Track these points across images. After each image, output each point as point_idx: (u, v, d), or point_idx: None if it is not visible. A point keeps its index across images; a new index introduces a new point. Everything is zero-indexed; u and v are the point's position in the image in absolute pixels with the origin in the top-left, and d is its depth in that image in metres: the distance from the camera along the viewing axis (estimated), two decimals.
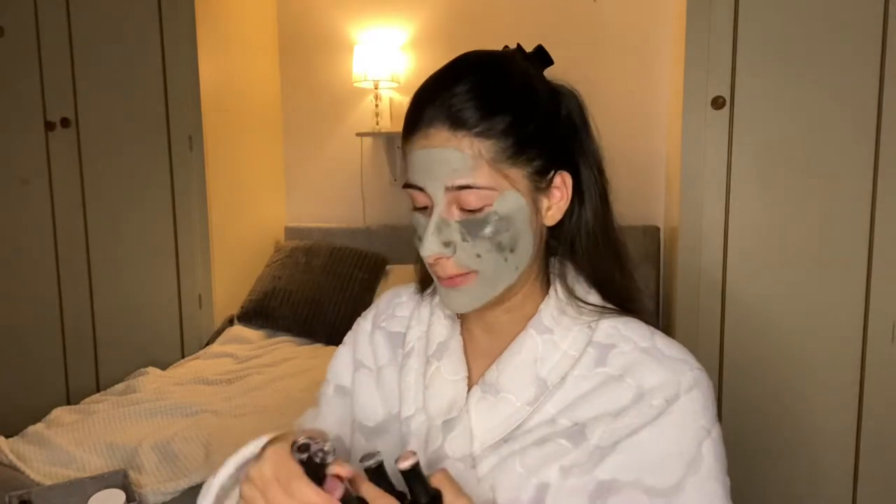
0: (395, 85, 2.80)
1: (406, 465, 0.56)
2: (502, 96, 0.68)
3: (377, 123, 2.84)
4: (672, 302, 2.15)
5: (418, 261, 0.80)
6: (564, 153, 0.72)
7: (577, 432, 0.68)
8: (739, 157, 1.94)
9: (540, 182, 0.70)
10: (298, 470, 0.56)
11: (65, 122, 2.51)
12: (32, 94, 2.51)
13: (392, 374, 0.81)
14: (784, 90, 1.89)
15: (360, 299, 2.57)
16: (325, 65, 2.97)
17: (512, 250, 0.69)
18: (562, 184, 0.72)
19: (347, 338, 0.90)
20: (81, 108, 2.51)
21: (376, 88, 2.80)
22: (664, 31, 2.52)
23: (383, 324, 0.86)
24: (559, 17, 2.66)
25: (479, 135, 0.66)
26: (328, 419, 0.86)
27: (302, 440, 0.57)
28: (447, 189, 0.67)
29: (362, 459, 0.57)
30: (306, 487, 0.56)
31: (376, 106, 2.83)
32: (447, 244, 0.68)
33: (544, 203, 0.72)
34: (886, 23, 1.81)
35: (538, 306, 0.75)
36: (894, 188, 1.85)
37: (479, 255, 0.68)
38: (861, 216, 1.88)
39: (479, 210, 0.67)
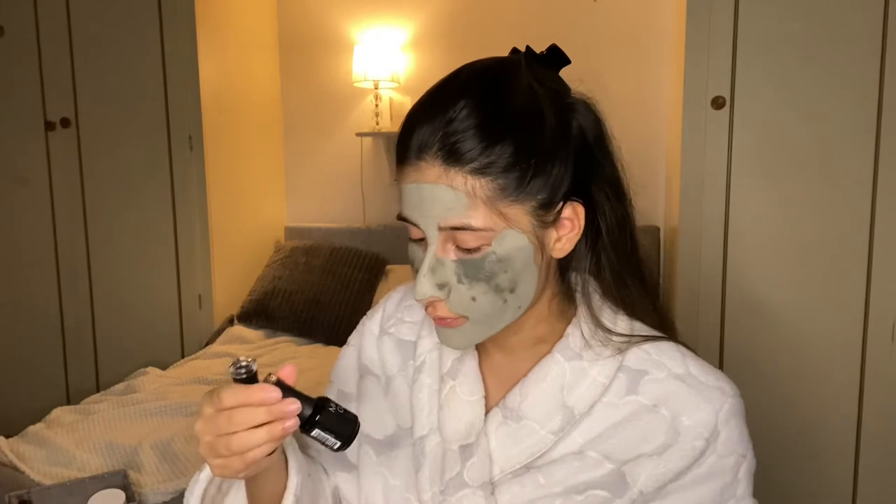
0: (395, 85, 2.80)
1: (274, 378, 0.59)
2: (503, 124, 0.61)
3: (377, 123, 2.84)
4: (672, 302, 2.15)
5: None
6: (574, 180, 0.65)
7: (618, 479, 0.65)
8: (739, 156, 1.94)
9: (545, 216, 0.64)
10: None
11: (65, 122, 2.50)
12: (32, 94, 2.51)
13: (402, 386, 0.77)
14: (784, 90, 1.89)
15: (360, 299, 2.57)
16: (325, 65, 2.97)
17: (512, 291, 0.64)
18: (572, 214, 0.65)
19: (352, 339, 0.85)
20: (81, 108, 2.51)
21: (376, 88, 2.80)
22: (664, 31, 2.52)
23: (392, 329, 0.81)
24: (559, 17, 2.65)
25: (475, 171, 0.60)
26: None
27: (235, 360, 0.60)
28: (440, 228, 0.62)
29: (233, 365, 0.58)
30: (229, 391, 0.56)
31: (376, 106, 2.83)
32: (442, 286, 0.63)
33: (552, 235, 0.65)
34: (886, 23, 1.81)
35: (556, 327, 0.71)
36: (894, 188, 1.85)
37: (474, 299, 0.63)
38: (861, 216, 1.88)
39: (477, 250, 0.61)
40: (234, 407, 0.56)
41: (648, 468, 0.65)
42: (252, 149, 2.83)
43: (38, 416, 1.93)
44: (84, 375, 2.60)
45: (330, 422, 0.59)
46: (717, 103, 1.92)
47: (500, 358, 0.73)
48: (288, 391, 0.58)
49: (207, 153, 2.46)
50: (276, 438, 0.57)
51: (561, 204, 0.64)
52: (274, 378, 0.59)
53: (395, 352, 0.80)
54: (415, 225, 0.64)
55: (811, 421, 1.96)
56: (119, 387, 2.16)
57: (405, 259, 0.70)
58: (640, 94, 2.58)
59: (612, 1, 2.61)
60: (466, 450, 0.69)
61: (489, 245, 0.61)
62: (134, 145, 2.48)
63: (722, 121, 1.93)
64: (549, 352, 0.70)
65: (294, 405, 0.57)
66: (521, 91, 0.63)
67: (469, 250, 0.62)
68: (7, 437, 1.74)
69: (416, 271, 0.66)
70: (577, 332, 0.70)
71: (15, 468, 1.61)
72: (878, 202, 1.87)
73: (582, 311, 0.71)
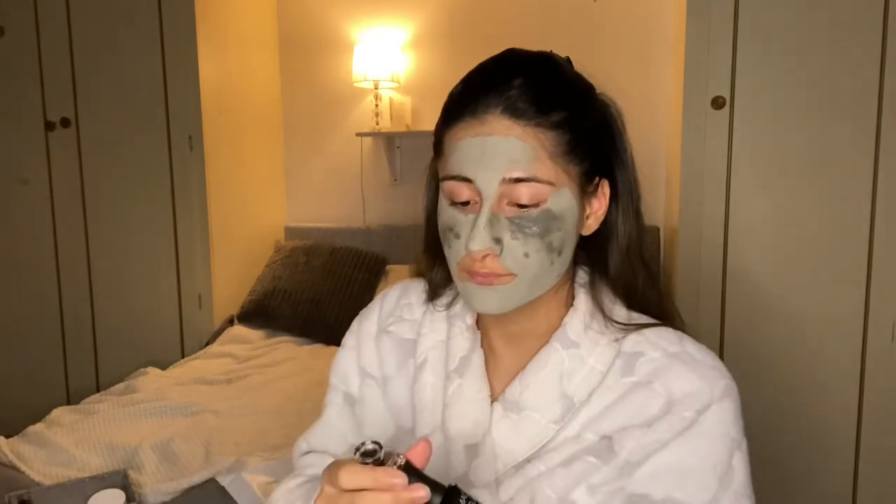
0: (395, 85, 2.80)
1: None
2: (559, 92, 0.65)
3: (377, 123, 2.83)
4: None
5: (431, 267, 0.76)
6: (607, 161, 0.70)
7: (605, 447, 0.65)
8: (739, 157, 1.94)
9: (587, 186, 0.68)
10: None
11: (65, 122, 2.50)
12: (32, 94, 2.51)
13: (401, 386, 0.76)
14: (784, 90, 1.89)
15: (360, 299, 2.57)
16: (325, 65, 2.97)
17: (560, 253, 0.65)
18: (602, 193, 0.70)
19: (349, 340, 0.84)
20: (81, 108, 2.50)
21: (376, 88, 2.80)
22: (664, 31, 2.52)
23: (391, 327, 0.80)
24: (559, 17, 2.65)
25: (540, 126, 0.63)
26: (343, 429, 0.79)
27: (359, 444, 0.55)
28: (503, 181, 0.62)
29: (358, 451, 0.54)
30: (350, 471, 0.52)
31: (376, 106, 2.83)
32: (496, 241, 0.63)
33: (586, 210, 0.69)
34: (886, 22, 1.81)
35: (562, 318, 0.71)
36: (894, 188, 1.85)
37: (527, 255, 0.64)
38: (861, 216, 1.88)
39: (533, 206, 0.63)
40: (356, 490, 0.53)
41: (635, 436, 0.64)
42: (252, 149, 2.83)
43: (38, 416, 1.93)
44: (84, 375, 2.60)
45: None
46: (717, 103, 1.92)
47: (505, 353, 0.73)
48: (415, 475, 0.53)
49: (207, 153, 2.46)
50: None
51: (598, 178, 0.69)
52: (402, 460, 0.54)
53: (393, 350, 0.78)
54: (468, 181, 0.64)
55: (811, 420, 1.96)
56: (119, 387, 2.16)
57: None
58: (640, 93, 2.57)
59: (612, 1, 2.61)
60: (472, 449, 0.68)
61: (545, 202, 0.63)
62: (134, 145, 2.48)
63: (722, 121, 1.93)
64: (548, 342, 0.70)
65: (422, 491, 0.52)
66: (570, 72, 0.69)
67: (525, 206, 0.63)
68: (7, 437, 1.74)
69: (455, 235, 0.66)
70: (573, 322, 0.70)
71: (15, 468, 1.60)
72: (878, 202, 1.87)
73: (579, 301, 0.72)
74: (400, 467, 0.53)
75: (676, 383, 0.65)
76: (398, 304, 0.81)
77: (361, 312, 0.84)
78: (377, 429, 0.76)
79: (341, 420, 0.80)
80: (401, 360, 0.77)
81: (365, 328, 0.82)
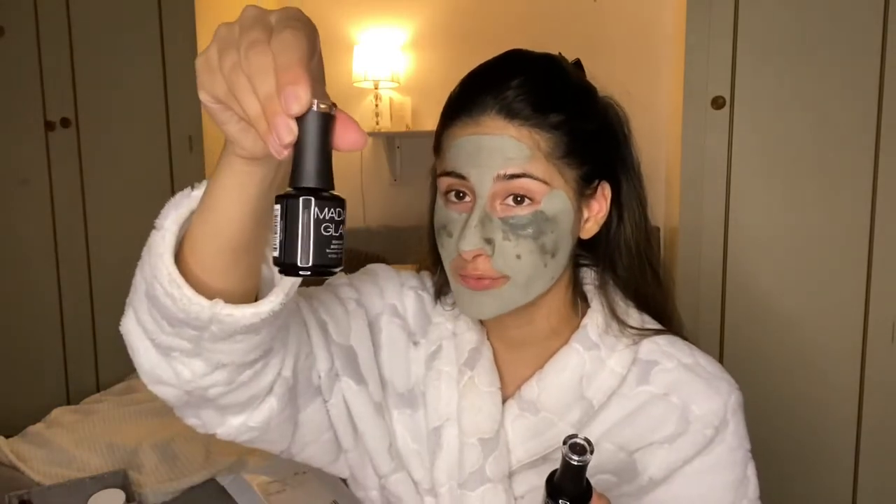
0: (395, 85, 2.80)
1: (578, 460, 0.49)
2: (559, 94, 0.65)
3: (377, 123, 2.83)
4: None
5: (434, 268, 0.74)
6: (608, 164, 0.69)
7: (628, 466, 0.66)
8: (739, 156, 1.94)
9: (585, 189, 0.67)
10: None
11: (65, 122, 2.50)
12: (32, 94, 2.51)
13: (417, 354, 0.72)
14: (784, 90, 1.89)
15: None
16: (325, 65, 2.96)
17: (553, 255, 0.64)
18: (602, 196, 0.69)
19: (391, 272, 0.77)
20: (81, 108, 2.50)
21: (376, 88, 2.80)
22: (664, 30, 2.52)
23: (422, 293, 0.76)
24: (559, 17, 2.65)
25: (535, 126, 0.62)
26: (354, 329, 0.69)
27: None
28: (497, 177, 0.61)
29: None
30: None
31: (376, 106, 2.83)
32: (488, 241, 0.62)
33: (584, 213, 0.68)
34: (887, 22, 1.81)
35: (569, 321, 0.71)
36: (894, 188, 1.85)
37: (519, 256, 0.62)
38: (861, 216, 1.88)
39: (525, 208, 0.62)
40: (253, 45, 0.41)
41: (660, 456, 0.66)
42: None
43: (38, 416, 1.93)
44: (84, 375, 2.60)
45: None
46: (717, 103, 1.92)
47: (509, 354, 0.73)
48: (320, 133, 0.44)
49: (207, 153, 2.46)
50: None
51: (597, 181, 0.68)
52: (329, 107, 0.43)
53: (416, 312, 0.75)
54: (463, 178, 0.63)
55: (811, 421, 1.96)
56: (119, 387, 2.16)
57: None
58: (640, 94, 2.57)
59: (612, 1, 2.60)
60: (487, 444, 0.68)
61: (539, 203, 0.63)
62: (134, 145, 2.48)
63: (722, 121, 1.93)
64: (563, 344, 0.70)
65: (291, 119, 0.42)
66: (572, 74, 0.68)
67: (519, 204, 0.62)
68: (7, 437, 1.74)
69: (447, 234, 0.65)
70: (593, 324, 0.70)
71: (15, 468, 1.60)
72: (878, 202, 1.87)
73: (596, 303, 0.72)
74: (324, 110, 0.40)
75: (693, 398, 0.67)
76: (426, 283, 0.78)
77: (397, 269, 0.79)
78: (400, 376, 0.71)
79: (355, 320, 0.69)
80: (421, 328, 0.74)
81: (388, 272, 0.77)
